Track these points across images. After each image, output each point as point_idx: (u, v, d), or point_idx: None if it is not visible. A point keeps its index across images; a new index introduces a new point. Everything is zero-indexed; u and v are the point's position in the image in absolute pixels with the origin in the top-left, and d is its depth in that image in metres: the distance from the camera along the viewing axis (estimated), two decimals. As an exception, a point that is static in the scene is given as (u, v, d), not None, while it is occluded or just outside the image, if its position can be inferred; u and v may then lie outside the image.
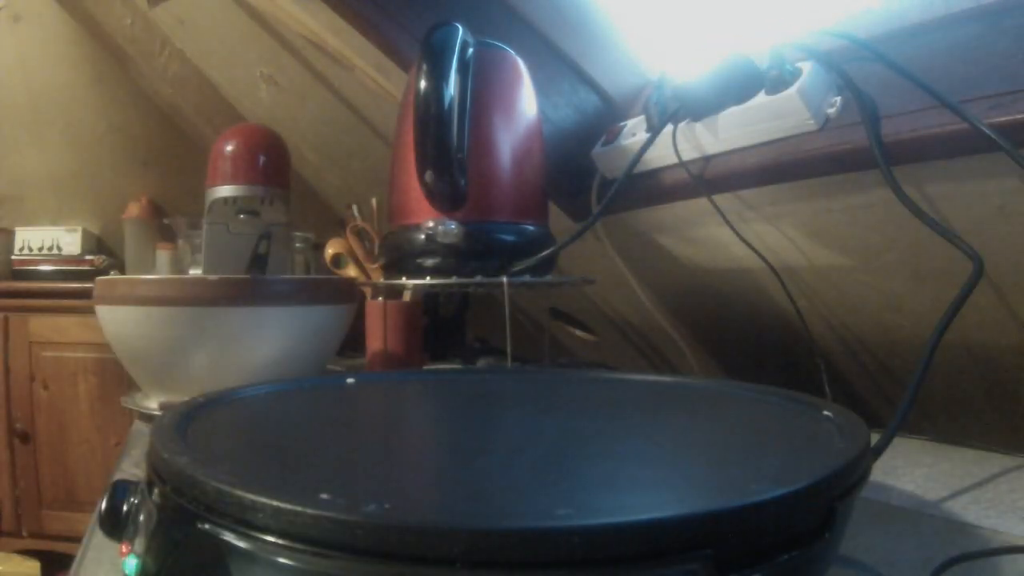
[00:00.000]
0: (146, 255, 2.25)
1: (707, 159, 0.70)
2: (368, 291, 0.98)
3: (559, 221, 0.86)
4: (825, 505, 0.26)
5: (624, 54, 0.90)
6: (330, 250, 1.15)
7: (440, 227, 0.69)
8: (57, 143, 2.10)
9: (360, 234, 1.11)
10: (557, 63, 0.88)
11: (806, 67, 0.60)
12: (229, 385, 0.49)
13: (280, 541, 0.23)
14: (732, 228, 0.70)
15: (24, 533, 2.04)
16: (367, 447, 0.37)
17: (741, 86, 0.63)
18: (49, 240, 2.23)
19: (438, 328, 1.12)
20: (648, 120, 0.74)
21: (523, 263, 0.72)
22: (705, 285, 0.88)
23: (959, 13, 0.55)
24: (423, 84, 0.66)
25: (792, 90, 0.59)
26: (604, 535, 0.22)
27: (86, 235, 2.26)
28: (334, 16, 0.91)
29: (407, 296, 0.88)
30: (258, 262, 0.79)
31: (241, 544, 0.25)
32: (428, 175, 0.68)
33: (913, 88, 0.53)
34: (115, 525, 0.32)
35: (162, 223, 2.02)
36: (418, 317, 0.87)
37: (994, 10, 0.52)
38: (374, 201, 1.10)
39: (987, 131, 0.48)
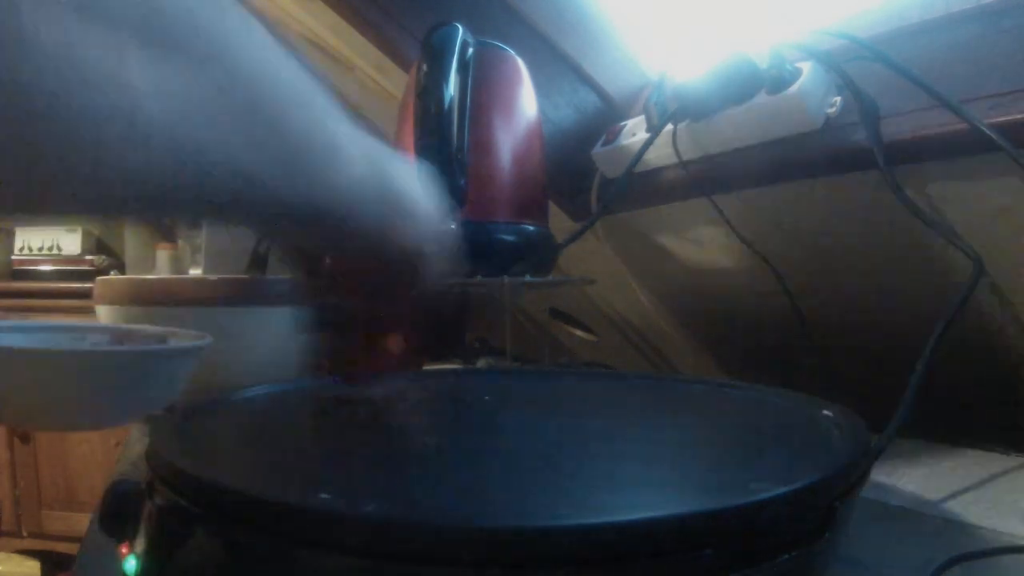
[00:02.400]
0: (146, 255, 2.25)
1: (707, 159, 0.70)
2: (368, 291, 0.98)
3: (559, 221, 0.86)
4: (825, 505, 0.26)
5: (624, 54, 0.90)
6: (330, 250, 1.14)
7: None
8: (57, 143, 2.10)
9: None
10: (557, 63, 0.88)
11: (806, 67, 0.60)
12: (229, 385, 0.49)
13: (280, 541, 0.23)
14: (732, 228, 0.70)
15: (24, 533, 2.04)
16: (367, 447, 0.37)
17: (741, 86, 0.63)
18: (49, 240, 2.23)
19: (438, 328, 1.12)
20: (648, 120, 0.74)
21: (523, 263, 0.72)
22: (705, 285, 0.88)
23: (959, 13, 0.55)
24: (423, 84, 0.66)
25: (792, 90, 0.59)
26: (604, 535, 0.22)
27: (86, 235, 2.26)
28: (334, 16, 0.91)
29: (407, 296, 0.88)
30: (258, 262, 0.79)
31: (241, 544, 0.25)
32: (428, 175, 0.68)
33: (913, 88, 0.53)
34: (115, 525, 0.32)
35: (162, 223, 2.01)
36: (418, 317, 0.87)
37: (994, 10, 0.52)
38: (374, 201, 1.10)
39: (987, 131, 0.48)
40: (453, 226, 0.43)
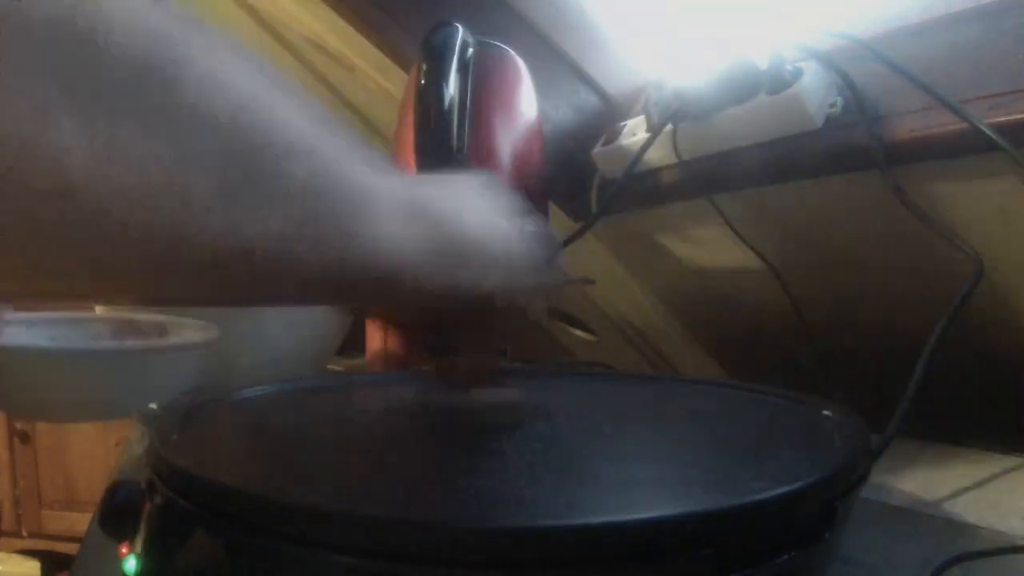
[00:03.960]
0: (146, 255, 2.25)
1: (707, 159, 0.70)
2: (368, 291, 0.98)
3: (559, 221, 0.86)
4: (825, 505, 0.26)
5: (624, 54, 0.90)
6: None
7: (440, 227, 0.69)
8: (57, 143, 2.10)
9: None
10: (557, 63, 0.88)
11: (806, 67, 0.60)
12: (229, 385, 0.49)
13: (280, 541, 0.23)
14: (732, 228, 0.70)
15: (24, 533, 2.04)
16: (367, 447, 0.37)
17: (741, 86, 0.63)
18: (49, 240, 2.23)
19: (438, 328, 1.11)
20: (648, 120, 0.74)
21: (523, 263, 0.72)
22: (705, 285, 0.88)
23: (959, 13, 0.55)
24: (423, 84, 0.66)
25: (792, 90, 0.59)
26: (604, 535, 0.22)
27: (86, 235, 2.26)
28: (335, 17, 0.91)
29: (407, 296, 0.88)
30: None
31: (241, 544, 0.25)
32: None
33: (913, 88, 0.53)
34: (115, 525, 0.32)
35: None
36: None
37: (994, 10, 0.52)
38: (374, 201, 1.10)
39: (987, 131, 0.48)
40: (533, 229, 0.41)
